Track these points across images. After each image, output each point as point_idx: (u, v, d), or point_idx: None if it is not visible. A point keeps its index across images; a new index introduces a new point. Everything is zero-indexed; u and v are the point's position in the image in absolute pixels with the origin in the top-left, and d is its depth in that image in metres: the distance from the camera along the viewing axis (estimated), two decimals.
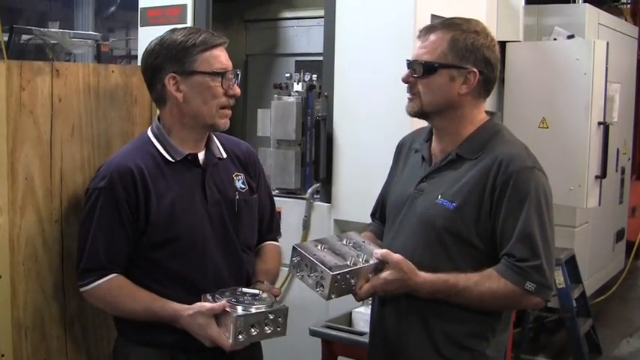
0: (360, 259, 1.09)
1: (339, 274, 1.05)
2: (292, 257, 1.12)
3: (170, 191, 1.18)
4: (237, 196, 1.23)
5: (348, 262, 1.08)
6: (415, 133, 1.27)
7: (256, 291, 1.16)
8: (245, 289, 1.16)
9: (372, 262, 1.09)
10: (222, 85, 1.18)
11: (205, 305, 1.11)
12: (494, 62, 1.13)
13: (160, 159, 1.19)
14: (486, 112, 1.18)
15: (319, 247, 1.12)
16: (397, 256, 1.08)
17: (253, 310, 1.08)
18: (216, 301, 1.11)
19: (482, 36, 1.12)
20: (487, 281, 1.08)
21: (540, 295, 1.07)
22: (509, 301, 1.09)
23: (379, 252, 1.09)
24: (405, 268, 1.08)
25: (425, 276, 1.09)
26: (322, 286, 1.06)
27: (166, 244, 1.17)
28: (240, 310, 1.08)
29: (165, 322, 1.14)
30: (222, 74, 1.18)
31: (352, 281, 1.07)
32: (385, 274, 1.08)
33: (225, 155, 1.26)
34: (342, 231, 2.04)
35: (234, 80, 1.19)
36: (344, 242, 1.15)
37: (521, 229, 1.07)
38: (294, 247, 1.12)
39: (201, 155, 1.22)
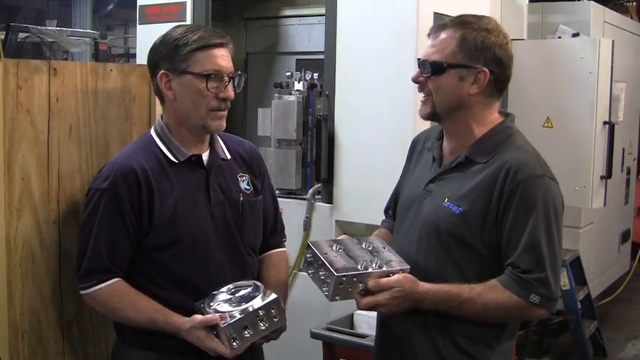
0: (373, 265, 1.06)
1: (344, 276, 1.03)
2: (306, 254, 1.10)
3: (173, 193, 1.16)
4: (242, 198, 1.21)
5: (359, 266, 1.05)
6: (430, 131, 1.24)
7: (249, 283, 1.13)
8: (238, 284, 1.13)
9: (385, 268, 1.06)
10: (212, 87, 1.14)
11: (196, 318, 1.10)
12: (506, 61, 1.09)
13: (163, 160, 1.17)
14: (500, 112, 1.15)
15: (334, 248, 1.09)
16: (393, 278, 1.05)
17: (238, 315, 1.06)
18: (206, 309, 1.10)
19: (494, 34, 1.08)
20: (491, 292, 1.05)
21: (545, 308, 1.05)
22: (513, 312, 1.07)
23: (372, 284, 1.04)
24: (406, 283, 1.05)
25: (427, 286, 1.07)
26: (328, 285, 1.04)
27: (169, 246, 1.15)
28: (227, 317, 1.06)
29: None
30: (210, 76, 1.14)
31: (360, 286, 1.05)
32: (389, 292, 1.05)
33: (229, 156, 1.24)
34: (344, 232, 2.03)
35: (228, 83, 1.16)
36: (362, 246, 1.12)
37: (528, 239, 1.04)
38: (308, 243, 1.10)
39: (205, 156, 1.20)
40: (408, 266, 1.08)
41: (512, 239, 1.05)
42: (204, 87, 1.14)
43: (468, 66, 1.07)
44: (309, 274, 1.09)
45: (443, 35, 1.09)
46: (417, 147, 1.24)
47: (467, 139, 1.11)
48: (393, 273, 1.06)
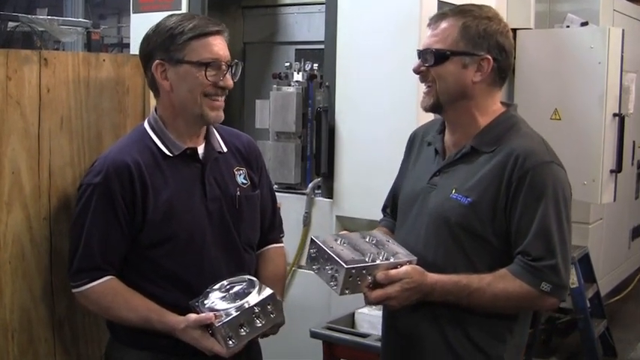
0: (380, 257, 1.05)
1: (353, 268, 1.01)
2: (310, 249, 1.08)
3: (168, 187, 1.14)
4: (239, 192, 1.19)
5: (366, 259, 1.04)
6: (428, 125, 1.23)
7: (243, 278, 1.11)
8: (232, 280, 1.11)
9: (392, 260, 1.05)
10: (211, 76, 1.12)
11: (191, 318, 1.08)
12: (508, 49, 1.10)
13: (157, 153, 1.15)
14: (502, 103, 1.15)
15: (338, 242, 1.08)
16: (403, 269, 1.04)
17: (234, 313, 1.05)
18: (201, 308, 1.08)
19: (495, 22, 1.09)
20: (501, 282, 1.05)
21: (556, 296, 1.05)
22: (524, 302, 1.06)
23: (381, 276, 1.03)
24: (415, 274, 1.05)
25: (435, 277, 1.06)
26: (336, 280, 1.02)
27: (163, 242, 1.13)
28: (223, 316, 1.05)
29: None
30: (209, 64, 1.12)
31: (369, 278, 1.04)
32: (399, 283, 1.04)
33: (225, 149, 1.22)
34: (344, 228, 1.99)
35: (226, 72, 1.14)
36: (366, 239, 1.11)
37: (538, 226, 1.04)
38: (312, 238, 1.08)
39: (200, 149, 1.18)
40: (415, 258, 1.08)
41: (522, 227, 1.04)
42: (203, 76, 1.12)
43: (471, 53, 1.07)
44: (313, 269, 1.07)
45: (444, 24, 1.09)
46: (415, 142, 1.23)
47: (471, 129, 1.11)
48: (401, 265, 1.05)
